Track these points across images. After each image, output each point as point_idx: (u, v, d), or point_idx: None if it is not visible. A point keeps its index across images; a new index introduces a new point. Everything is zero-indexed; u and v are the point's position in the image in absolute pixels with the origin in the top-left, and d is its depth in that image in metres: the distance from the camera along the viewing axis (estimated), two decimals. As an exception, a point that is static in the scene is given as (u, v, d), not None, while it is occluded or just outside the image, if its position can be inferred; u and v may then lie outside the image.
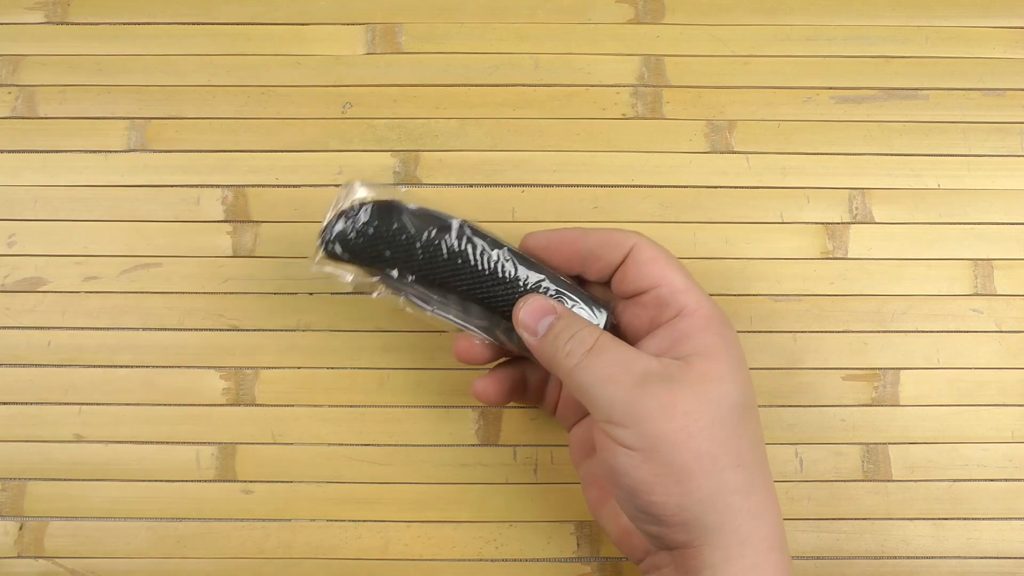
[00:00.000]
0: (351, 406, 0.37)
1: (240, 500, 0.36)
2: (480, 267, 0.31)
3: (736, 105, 0.39)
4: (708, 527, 0.27)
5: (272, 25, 0.40)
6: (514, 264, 0.31)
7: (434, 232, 0.31)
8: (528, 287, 0.31)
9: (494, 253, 0.31)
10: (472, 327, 0.32)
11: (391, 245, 0.31)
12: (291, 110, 0.39)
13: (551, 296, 0.31)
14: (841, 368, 0.38)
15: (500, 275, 0.31)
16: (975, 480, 0.37)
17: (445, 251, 0.31)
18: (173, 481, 0.36)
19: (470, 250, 0.31)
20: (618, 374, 0.28)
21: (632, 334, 0.31)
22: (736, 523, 0.27)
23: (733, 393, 0.28)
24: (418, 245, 0.31)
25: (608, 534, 0.32)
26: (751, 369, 0.37)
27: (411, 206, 0.31)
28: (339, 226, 0.31)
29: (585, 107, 0.39)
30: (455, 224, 0.31)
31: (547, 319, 0.30)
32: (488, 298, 0.31)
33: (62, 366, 0.37)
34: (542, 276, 0.31)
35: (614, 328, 0.32)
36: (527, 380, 0.34)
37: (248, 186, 0.38)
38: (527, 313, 0.30)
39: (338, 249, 0.31)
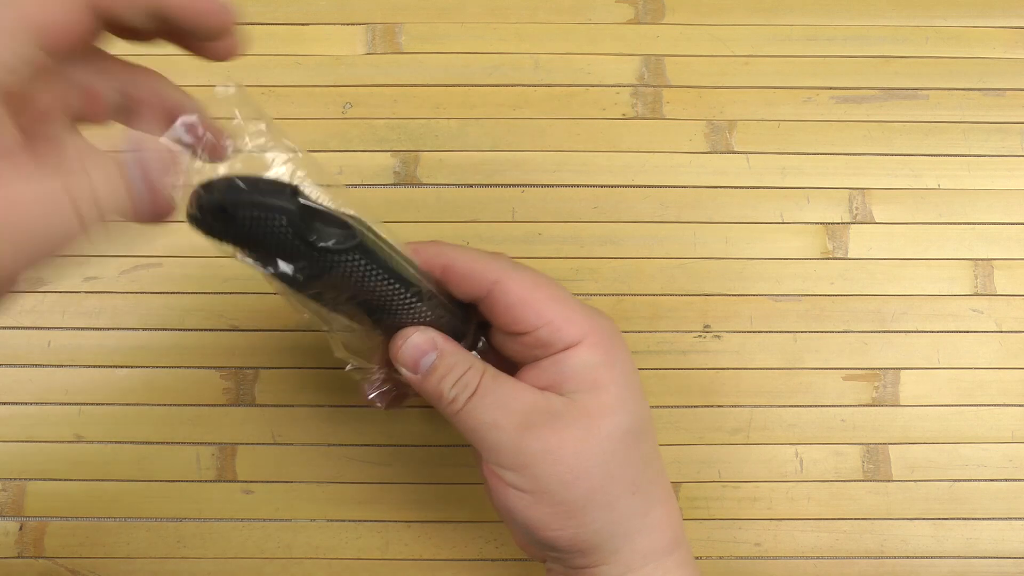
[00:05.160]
0: (351, 406, 0.37)
1: (240, 500, 0.36)
2: (373, 279, 0.26)
3: (736, 105, 0.39)
4: (606, 550, 0.27)
5: (272, 25, 0.40)
6: (401, 271, 0.27)
7: (330, 231, 0.26)
8: (410, 297, 0.28)
9: (391, 259, 0.27)
10: (339, 327, 0.29)
11: (273, 235, 0.25)
12: (291, 110, 0.39)
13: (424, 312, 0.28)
14: (841, 368, 0.38)
15: (392, 285, 0.27)
16: (975, 480, 0.37)
17: (344, 258, 0.26)
18: (173, 481, 0.36)
19: (363, 261, 0.26)
20: (502, 419, 0.27)
21: (513, 363, 0.30)
22: (634, 543, 0.28)
23: (623, 421, 0.27)
24: (313, 241, 0.26)
25: (512, 534, 0.32)
26: (756, 369, 0.37)
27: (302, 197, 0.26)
28: (217, 194, 0.24)
29: (585, 107, 0.39)
30: (351, 224, 0.26)
31: (428, 357, 0.28)
32: (376, 307, 0.28)
33: (62, 366, 0.37)
34: (419, 288, 0.28)
35: (481, 328, 0.30)
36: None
37: (248, 186, 0.38)
38: (408, 351, 0.28)
39: (210, 220, 0.24)
